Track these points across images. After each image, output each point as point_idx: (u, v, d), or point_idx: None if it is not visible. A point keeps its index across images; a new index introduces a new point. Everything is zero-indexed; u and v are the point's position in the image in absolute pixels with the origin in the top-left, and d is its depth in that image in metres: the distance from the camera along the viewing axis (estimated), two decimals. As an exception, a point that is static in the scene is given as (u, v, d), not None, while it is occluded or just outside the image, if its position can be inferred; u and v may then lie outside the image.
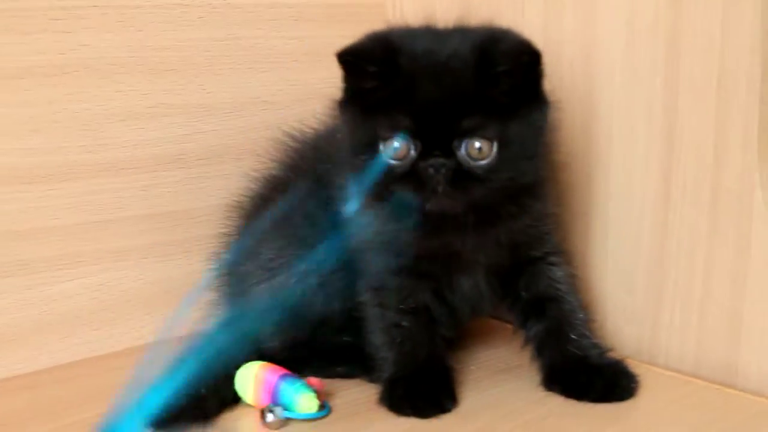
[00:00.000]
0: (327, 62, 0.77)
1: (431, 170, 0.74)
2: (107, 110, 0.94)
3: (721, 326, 0.86)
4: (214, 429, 0.76)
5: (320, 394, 0.79)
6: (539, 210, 0.84)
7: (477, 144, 0.74)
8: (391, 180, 0.76)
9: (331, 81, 0.80)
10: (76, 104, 0.92)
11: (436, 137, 0.74)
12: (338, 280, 0.86)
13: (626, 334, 0.94)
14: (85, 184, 0.93)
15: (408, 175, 0.75)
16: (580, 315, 0.85)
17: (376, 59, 0.76)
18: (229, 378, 0.81)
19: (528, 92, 0.77)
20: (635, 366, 0.84)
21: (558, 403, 0.81)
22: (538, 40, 0.77)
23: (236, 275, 0.92)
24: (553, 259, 0.87)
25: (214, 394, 0.79)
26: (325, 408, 0.79)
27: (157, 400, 0.66)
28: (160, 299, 1.00)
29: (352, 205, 0.84)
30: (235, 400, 0.81)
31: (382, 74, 0.76)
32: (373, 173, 0.77)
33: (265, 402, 0.78)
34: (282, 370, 0.80)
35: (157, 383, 0.67)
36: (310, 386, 0.78)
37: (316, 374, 0.81)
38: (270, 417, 0.75)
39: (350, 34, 0.79)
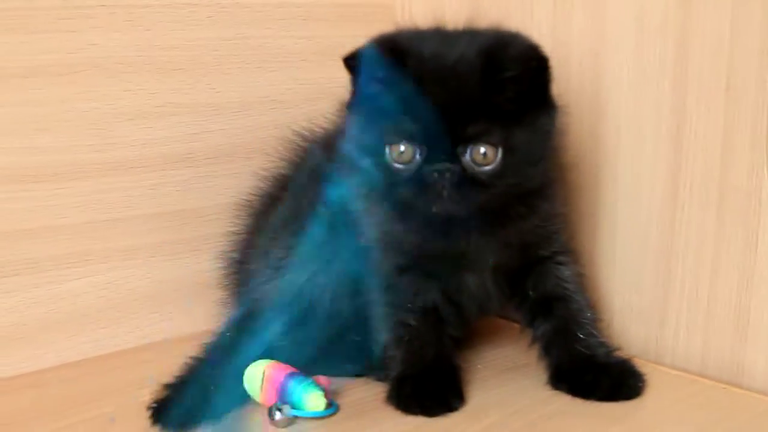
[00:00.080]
0: (336, 61, 0.77)
1: (436, 175, 0.74)
2: (116, 109, 0.94)
3: (727, 326, 0.86)
4: (223, 427, 0.77)
5: (328, 393, 0.79)
6: (547, 210, 0.84)
7: (482, 150, 0.74)
8: (397, 184, 0.77)
9: (340, 80, 0.80)
10: (85, 103, 0.92)
11: (441, 143, 0.74)
12: (346, 279, 0.86)
13: (633, 334, 0.94)
14: (94, 183, 0.93)
15: (413, 180, 0.76)
16: (587, 314, 0.85)
17: (382, 63, 0.76)
18: (238, 375, 0.81)
19: (535, 97, 0.77)
20: (642, 365, 0.84)
21: (565, 401, 0.81)
22: (546, 41, 0.77)
23: (244, 274, 0.93)
24: (560, 258, 0.87)
25: (222, 391, 0.79)
26: (332, 406, 0.79)
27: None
28: (168, 298, 1.00)
29: (360, 205, 0.84)
30: (243, 397, 0.81)
31: (388, 78, 0.76)
32: (379, 176, 0.78)
33: (272, 400, 0.78)
34: (290, 369, 0.80)
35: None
36: (317, 385, 0.78)
37: (324, 373, 0.81)
38: (278, 415, 0.75)
39: (359, 34, 0.79)
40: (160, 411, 0.76)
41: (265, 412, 0.77)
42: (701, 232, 0.87)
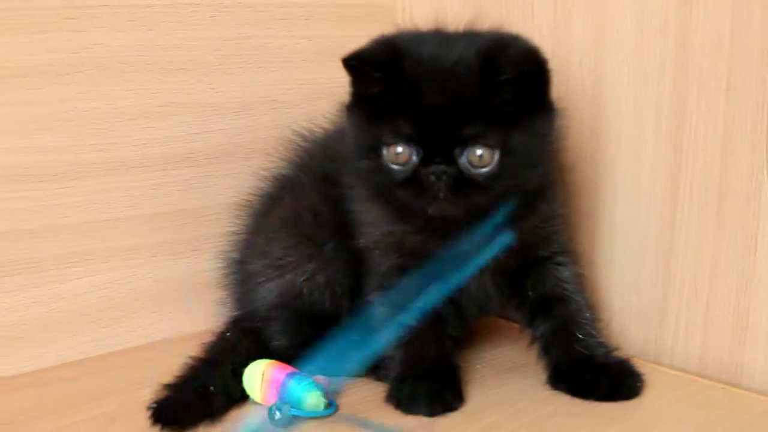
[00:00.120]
0: (337, 62, 0.77)
1: (432, 177, 0.74)
2: (117, 109, 0.94)
3: (726, 326, 0.86)
4: (222, 426, 0.77)
5: (327, 393, 0.79)
6: (547, 211, 0.84)
7: (478, 152, 0.75)
8: (394, 185, 0.77)
9: (341, 80, 0.80)
10: (87, 103, 0.92)
11: (437, 144, 0.75)
12: (346, 279, 0.86)
13: (632, 334, 0.94)
14: (95, 183, 0.93)
15: (410, 181, 0.76)
16: (586, 314, 0.85)
17: (381, 65, 0.76)
18: (238, 375, 0.81)
19: (533, 100, 0.77)
20: (641, 365, 0.84)
21: (564, 401, 0.81)
22: (547, 42, 0.77)
23: (245, 273, 0.93)
24: (560, 258, 0.87)
25: (222, 391, 0.79)
26: (332, 406, 0.79)
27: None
28: (168, 297, 1.00)
29: (358, 206, 0.84)
30: (242, 397, 0.81)
31: (386, 80, 0.76)
32: (377, 177, 0.78)
33: (272, 400, 0.78)
34: (289, 369, 0.80)
35: None
36: (317, 384, 0.79)
37: (324, 372, 0.82)
38: (277, 415, 0.76)
39: (360, 34, 0.79)
40: (160, 411, 0.76)
41: (265, 412, 0.77)
42: (701, 232, 0.87)
